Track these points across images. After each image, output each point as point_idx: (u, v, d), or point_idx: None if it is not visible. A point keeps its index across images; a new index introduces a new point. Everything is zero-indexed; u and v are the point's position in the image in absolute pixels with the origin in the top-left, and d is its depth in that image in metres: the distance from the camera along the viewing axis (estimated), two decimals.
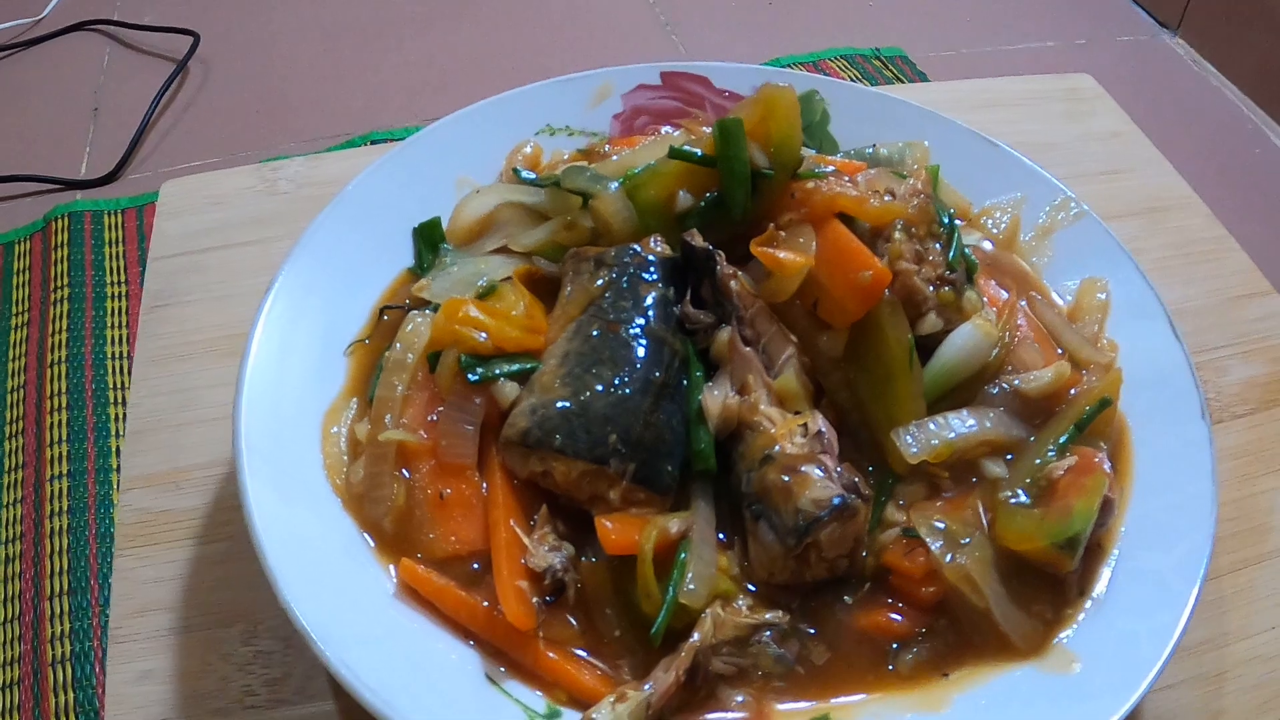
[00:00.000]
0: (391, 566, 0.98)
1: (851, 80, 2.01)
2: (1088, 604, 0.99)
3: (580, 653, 0.95)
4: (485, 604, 0.95)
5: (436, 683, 0.91)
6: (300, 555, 0.93)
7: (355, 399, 1.10)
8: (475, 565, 0.98)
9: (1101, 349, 1.16)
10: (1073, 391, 1.10)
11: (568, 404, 0.98)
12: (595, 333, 1.04)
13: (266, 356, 1.07)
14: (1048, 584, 0.99)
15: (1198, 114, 2.10)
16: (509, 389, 1.03)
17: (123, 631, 1.07)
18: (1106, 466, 1.01)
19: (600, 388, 0.99)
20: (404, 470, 1.02)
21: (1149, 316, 1.17)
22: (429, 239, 1.23)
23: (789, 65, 2.06)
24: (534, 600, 0.94)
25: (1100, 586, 1.00)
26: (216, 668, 1.04)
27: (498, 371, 1.03)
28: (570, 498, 1.00)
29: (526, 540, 0.96)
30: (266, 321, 1.09)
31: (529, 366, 1.04)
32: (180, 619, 1.08)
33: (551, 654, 0.93)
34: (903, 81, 2.04)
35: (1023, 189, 1.31)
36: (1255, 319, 1.42)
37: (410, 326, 1.08)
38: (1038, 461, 1.03)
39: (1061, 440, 1.04)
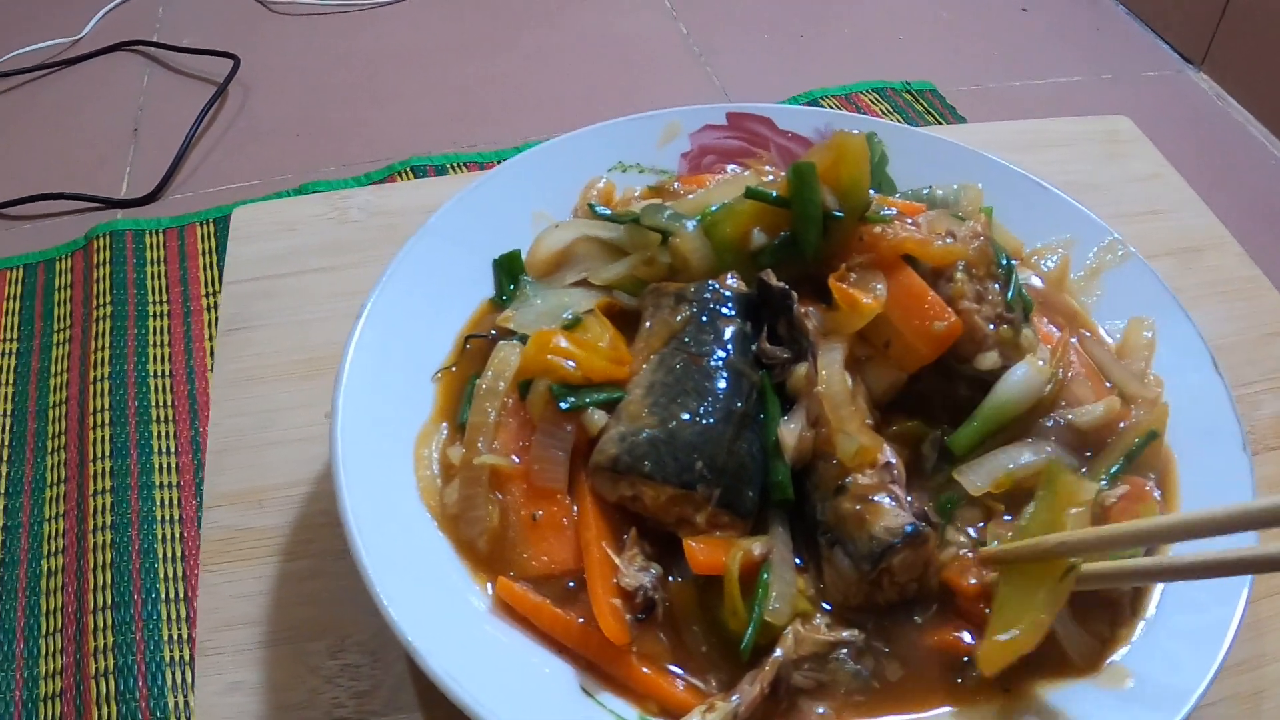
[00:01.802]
0: (489, 585, 1.02)
1: (883, 113, 2.06)
2: (1140, 624, 1.03)
3: (673, 669, 0.98)
4: (580, 620, 0.99)
5: (534, 693, 0.95)
6: (399, 572, 0.97)
7: (444, 423, 1.14)
8: (570, 584, 1.02)
9: (1148, 384, 1.20)
10: (1122, 425, 1.14)
11: (655, 432, 1.03)
12: (678, 364, 1.08)
13: (359, 380, 1.10)
14: (1103, 605, 1.03)
15: (1222, 149, 2.14)
16: (598, 417, 1.07)
17: (211, 644, 1.10)
18: (1156, 495, 1.06)
19: (686, 417, 1.03)
20: (497, 493, 1.06)
21: (1192, 354, 1.21)
22: (509, 270, 1.26)
23: (821, 98, 2.11)
24: (627, 617, 0.98)
25: (1151, 608, 1.04)
26: (305, 680, 1.07)
27: (587, 400, 1.07)
28: (657, 521, 1.04)
29: (618, 560, 1.00)
30: (358, 347, 1.13)
31: (615, 396, 1.08)
32: (267, 633, 1.11)
33: (645, 668, 0.97)
34: (933, 114, 2.08)
35: (1071, 230, 1.35)
36: None
37: (500, 356, 1.11)
38: None
39: (1113, 470, 1.09)
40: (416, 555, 1.02)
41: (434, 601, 0.98)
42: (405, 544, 1.02)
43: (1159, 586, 1.05)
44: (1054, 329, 1.25)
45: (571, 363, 1.07)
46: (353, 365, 1.11)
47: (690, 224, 1.17)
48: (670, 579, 1.01)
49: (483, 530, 1.04)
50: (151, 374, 1.44)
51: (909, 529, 0.97)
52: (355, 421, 1.07)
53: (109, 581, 1.21)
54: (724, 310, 1.12)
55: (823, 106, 2.06)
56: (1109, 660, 1.00)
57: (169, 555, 1.24)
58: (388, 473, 1.08)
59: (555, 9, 2.49)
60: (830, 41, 2.43)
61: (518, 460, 1.07)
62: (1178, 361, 1.23)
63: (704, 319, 1.11)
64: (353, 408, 1.08)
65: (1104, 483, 1.08)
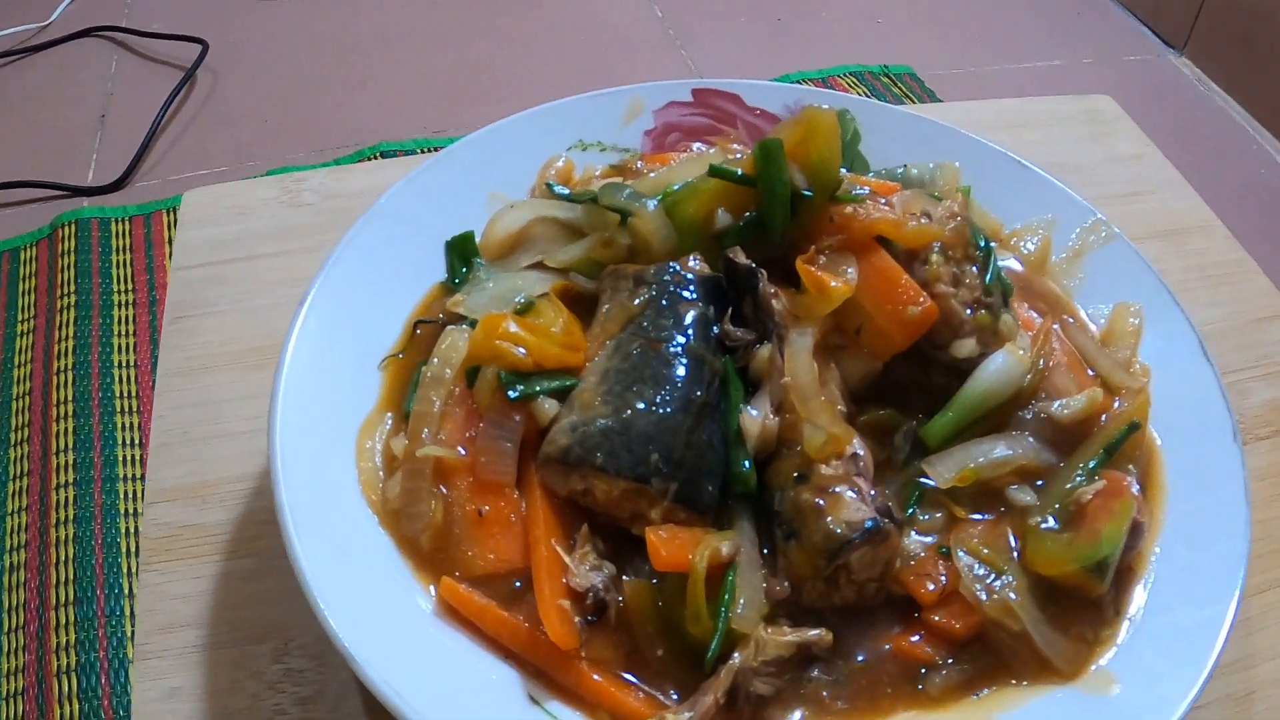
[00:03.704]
0: (430, 586, 0.97)
1: (861, 97, 2.02)
2: (1126, 625, 0.99)
3: (627, 676, 0.94)
4: (526, 624, 0.94)
5: (478, 703, 0.90)
6: (338, 572, 0.92)
7: (390, 413, 1.10)
8: (517, 584, 0.98)
9: (1134, 374, 1.16)
10: (1104, 417, 1.10)
11: (609, 422, 0.98)
12: (635, 351, 1.03)
13: (301, 370, 1.06)
14: (1086, 607, 0.99)
15: (1204, 133, 2.11)
16: (549, 406, 1.02)
17: (149, 648, 1.06)
18: (1135, 490, 1.01)
19: (642, 406, 0.99)
20: (441, 486, 1.01)
21: (1181, 341, 1.18)
22: (462, 253, 1.22)
23: (798, 81, 2.08)
24: (576, 620, 0.93)
25: (1137, 608, 1.00)
26: (246, 685, 1.03)
27: (538, 388, 1.02)
28: (610, 516, 1.00)
29: (568, 559, 0.96)
30: (300, 334, 1.08)
31: (568, 384, 1.04)
32: (208, 635, 1.07)
33: (595, 675, 0.92)
34: (911, 98, 2.05)
35: (1052, 210, 1.31)
36: (1276, 341, 1.43)
37: (448, 341, 1.07)
38: (1068, 486, 1.03)
39: (1091, 465, 1.04)
40: (357, 555, 0.98)
41: (375, 605, 0.94)
42: (346, 543, 0.98)
43: (1145, 586, 1.01)
44: (1035, 315, 1.21)
45: (522, 349, 1.03)
46: (295, 354, 1.07)
47: (651, 203, 1.13)
48: (625, 578, 0.96)
49: (425, 526, 0.99)
50: (116, 364, 1.41)
51: (869, 524, 0.92)
52: (296, 413, 1.03)
53: (71, 577, 1.19)
54: (685, 293, 1.07)
55: None
56: (1093, 665, 0.96)
57: (132, 550, 1.21)
58: (329, 466, 1.03)
59: None
60: (808, 25, 2.39)
61: (464, 452, 1.02)
62: (1165, 348, 1.19)
63: (664, 302, 1.06)
64: (294, 398, 1.04)
65: (1080, 478, 1.03)
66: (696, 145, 1.40)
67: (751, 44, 2.33)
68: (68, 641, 1.13)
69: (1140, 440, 1.09)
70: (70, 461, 1.29)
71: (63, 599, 1.16)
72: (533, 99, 1.40)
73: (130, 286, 1.53)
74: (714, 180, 1.12)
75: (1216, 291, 1.46)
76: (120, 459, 1.29)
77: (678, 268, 1.09)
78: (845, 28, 2.39)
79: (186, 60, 2.16)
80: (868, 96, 2.04)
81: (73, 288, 1.51)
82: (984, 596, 0.96)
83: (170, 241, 1.60)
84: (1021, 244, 1.30)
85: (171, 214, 1.64)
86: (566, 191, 1.25)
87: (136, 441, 1.31)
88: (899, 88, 2.10)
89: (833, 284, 1.03)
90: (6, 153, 1.94)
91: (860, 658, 0.97)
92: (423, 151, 1.85)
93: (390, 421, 1.09)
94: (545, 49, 2.28)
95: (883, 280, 1.06)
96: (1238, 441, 1.08)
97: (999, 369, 1.06)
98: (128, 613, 1.15)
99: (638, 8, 2.42)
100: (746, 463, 0.99)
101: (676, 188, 1.14)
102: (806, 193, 1.09)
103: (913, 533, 1.02)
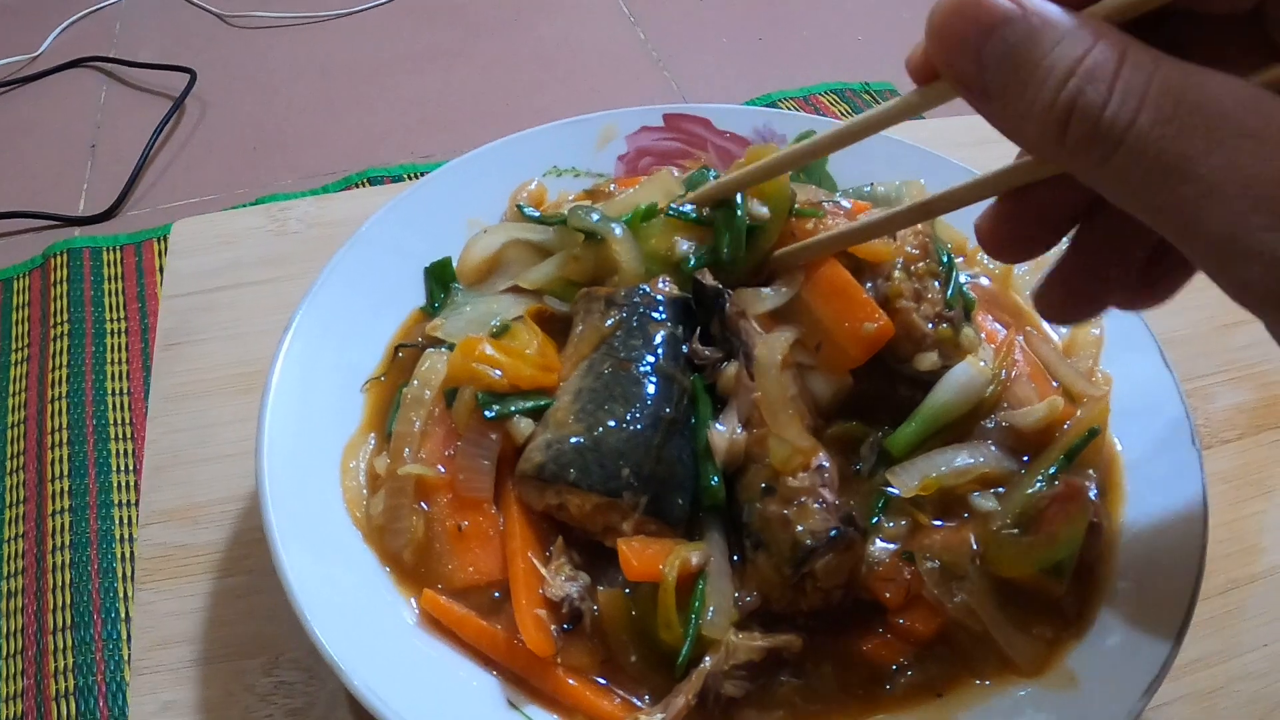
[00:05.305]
0: (412, 599, 1.00)
1: (842, 115, 2.04)
2: (1086, 624, 1.01)
3: (601, 681, 0.97)
4: (505, 633, 0.97)
5: (460, 709, 0.93)
6: (324, 587, 0.95)
7: (373, 434, 1.12)
8: (495, 594, 1.01)
9: (1095, 382, 1.18)
10: (1066, 425, 1.12)
11: (581, 439, 1.01)
12: (607, 370, 1.06)
13: (286, 393, 1.09)
14: (1047, 607, 1.01)
15: None
16: (524, 425, 1.05)
17: (145, 663, 1.09)
18: (1092, 494, 1.04)
19: (613, 423, 1.01)
20: (422, 503, 1.04)
21: (1141, 349, 1.20)
22: (440, 278, 1.25)
23: (779, 100, 2.09)
24: (552, 628, 0.96)
25: (1098, 607, 1.02)
26: (239, 698, 1.06)
27: (513, 408, 1.05)
28: (584, 529, 1.02)
29: (543, 570, 0.99)
30: (286, 359, 1.11)
31: (543, 403, 1.06)
32: (202, 651, 1.09)
33: (571, 680, 0.95)
34: None
35: None
36: (1242, 346, 1.45)
37: (427, 364, 1.10)
38: (1028, 492, 1.05)
39: (1051, 471, 1.06)
40: (343, 570, 1.00)
41: (361, 618, 0.97)
42: (332, 559, 1.00)
43: (1106, 586, 1.03)
44: (999, 327, 1.23)
45: (497, 370, 1.05)
46: (281, 378, 1.10)
47: (618, 228, 1.15)
48: (599, 588, 0.99)
49: (408, 542, 1.02)
50: (110, 392, 1.42)
51: (833, 532, 0.95)
52: (282, 435, 1.06)
53: (68, 602, 1.20)
54: (654, 314, 1.09)
55: (781, 108, 2.04)
56: (1054, 663, 0.99)
57: (128, 574, 1.21)
58: (314, 486, 1.06)
59: (512, 18, 2.48)
60: (789, 44, 2.41)
61: (443, 470, 1.05)
62: (1126, 356, 1.21)
63: (634, 324, 1.08)
64: (280, 421, 1.07)
65: (1040, 483, 1.05)
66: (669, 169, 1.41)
67: (734, 63, 2.35)
68: (66, 665, 1.14)
69: (1100, 446, 1.11)
70: (65, 489, 1.30)
71: (60, 624, 1.18)
72: (518, 122, 1.42)
73: (122, 315, 1.54)
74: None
75: (1183, 298, 1.43)
76: (115, 485, 1.31)
77: (648, 290, 1.11)
78: (826, 46, 2.41)
79: (175, 90, 2.19)
80: (849, 114, 2.05)
81: (66, 316, 1.53)
82: (946, 599, 0.98)
83: (161, 270, 1.61)
84: (986, 258, 1.31)
85: (162, 243, 1.65)
86: (537, 214, 1.26)
87: (131, 468, 1.33)
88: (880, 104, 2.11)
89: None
90: None
91: (829, 661, 0.99)
92: (410, 177, 1.86)
93: (373, 442, 1.12)
94: (528, 73, 2.31)
95: (839, 297, 1.08)
96: (1196, 445, 1.10)
97: (960, 380, 1.09)
98: (124, 636, 1.16)
99: (621, 31, 2.44)
100: (715, 477, 1.01)
101: (643, 222, 1.16)
102: (763, 209, 1.11)
103: (878, 540, 1.03)
